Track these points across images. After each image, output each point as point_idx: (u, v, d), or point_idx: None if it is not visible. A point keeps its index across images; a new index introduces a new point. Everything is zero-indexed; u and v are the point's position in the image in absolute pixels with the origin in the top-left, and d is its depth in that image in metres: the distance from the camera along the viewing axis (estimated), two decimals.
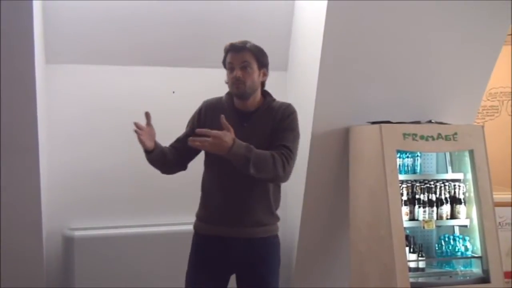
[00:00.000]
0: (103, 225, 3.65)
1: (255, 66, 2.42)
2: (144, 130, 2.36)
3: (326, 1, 3.22)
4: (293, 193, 3.93)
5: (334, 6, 3.22)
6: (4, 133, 3.00)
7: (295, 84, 3.91)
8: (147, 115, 2.42)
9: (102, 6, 3.48)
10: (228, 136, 2.22)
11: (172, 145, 2.57)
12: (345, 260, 3.67)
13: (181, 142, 2.54)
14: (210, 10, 3.63)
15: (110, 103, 3.67)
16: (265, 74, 2.49)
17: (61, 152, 3.63)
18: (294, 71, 3.93)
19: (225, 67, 2.49)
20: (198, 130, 2.26)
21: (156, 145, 2.44)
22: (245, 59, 2.40)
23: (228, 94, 2.53)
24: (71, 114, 3.65)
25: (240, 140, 2.29)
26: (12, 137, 3.02)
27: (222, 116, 2.26)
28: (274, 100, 2.53)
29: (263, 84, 2.51)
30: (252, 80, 2.41)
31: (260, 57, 2.44)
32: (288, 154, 2.36)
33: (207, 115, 2.51)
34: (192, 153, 2.53)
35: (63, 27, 3.47)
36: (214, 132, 2.21)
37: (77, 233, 3.55)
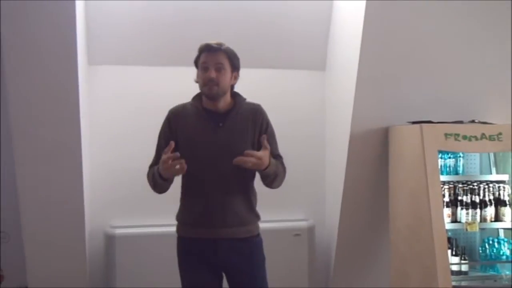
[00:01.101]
0: (144, 223, 3.71)
1: (228, 68, 2.43)
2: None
3: (365, 1, 3.20)
4: (331, 193, 3.91)
5: (373, 6, 3.20)
6: (48, 133, 3.09)
7: (334, 83, 3.88)
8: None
9: (143, 6, 3.54)
10: (267, 155, 2.33)
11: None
12: (384, 260, 3.63)
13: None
14: (248, 10, 3.64)
15: (151, 103, 3.72)
16: (236, 77, 2.50)
17: (103, 151, 3.71)
18: (332, 71, 3.90)
19: (196, 66, 2.49)
20: (246, 152, 2.30)
21: None
22: (220, 60, 2.41)
23: (196, 97, 2.53)
24: (112, 115, 3.73)
25: (217, 139, 2.41)
26: (56, 137, 3.11)
27: (264, 136, 2.36)
28: (245, 99, 2.54)
29: (232, 87, 2.52)
30: (225, 82, 2.43)
31: (233, 60, 2.45)
32: (283, 162, 2.54)
33: (178, 123, 2.52)
34: None
35: (105, 28, 3.54)
36: (259, 153, 2.31)
37: (118, 231, 3.62)
